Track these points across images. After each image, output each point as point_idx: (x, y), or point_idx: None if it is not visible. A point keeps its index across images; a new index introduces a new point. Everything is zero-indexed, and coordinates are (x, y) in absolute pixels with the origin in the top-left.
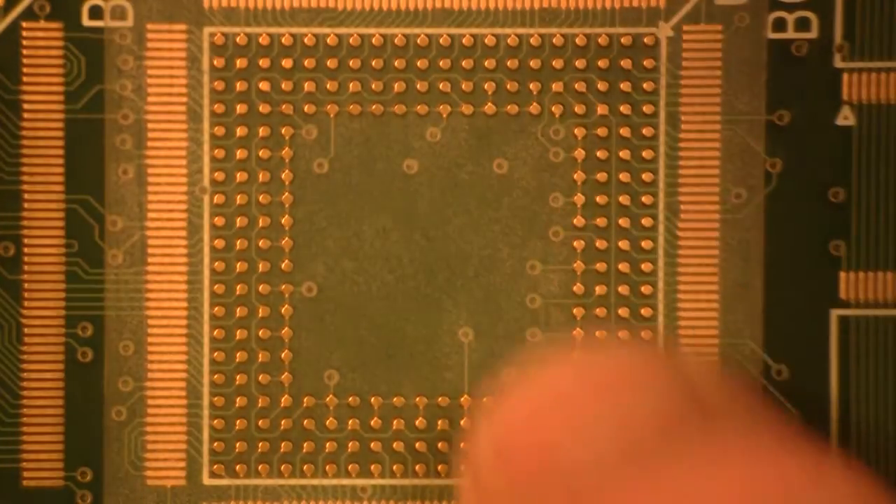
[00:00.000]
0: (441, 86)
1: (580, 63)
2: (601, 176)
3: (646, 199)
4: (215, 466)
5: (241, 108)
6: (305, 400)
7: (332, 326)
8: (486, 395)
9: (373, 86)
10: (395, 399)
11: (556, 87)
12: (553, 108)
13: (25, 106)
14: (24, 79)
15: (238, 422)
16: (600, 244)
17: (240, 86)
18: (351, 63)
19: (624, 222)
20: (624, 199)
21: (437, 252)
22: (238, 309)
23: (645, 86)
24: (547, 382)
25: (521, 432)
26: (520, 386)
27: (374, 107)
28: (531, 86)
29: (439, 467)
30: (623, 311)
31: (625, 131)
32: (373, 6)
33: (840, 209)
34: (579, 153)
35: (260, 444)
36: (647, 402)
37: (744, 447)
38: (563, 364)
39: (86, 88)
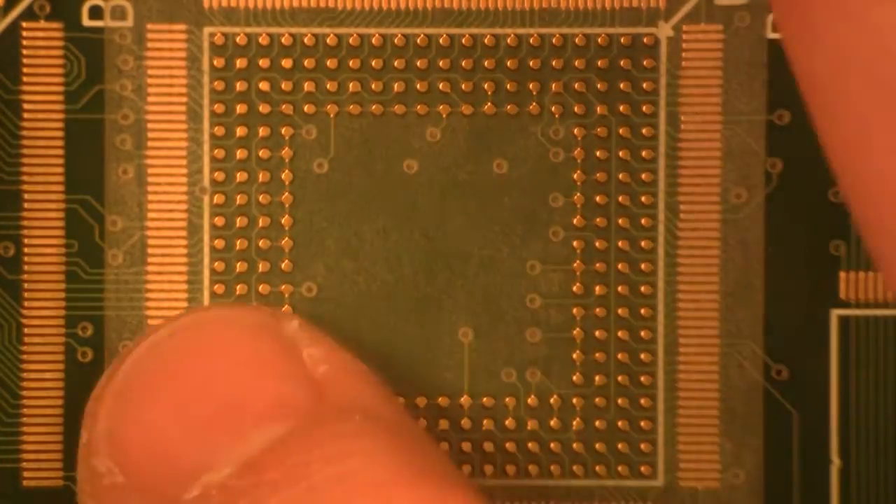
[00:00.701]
0: (441, 86)
1: (579, 63)
2: (601, 176)
3: (645, 199)
4: None
5: (241, 108)
6: None
7: (332, 326)
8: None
9: (372, 86)
10: None
11: (556, 87)
12: (553, 108)
13: (25, 106)
14: (24, 79)
15: None
16: (600, 244)
17: (240, 86)
18: (351, 63)
19: (624, 222)
20: (624, 199)
21: (437, 252)
22: None
23: (645, 86)
24: (155, 356)
25: (131, 422)
26: (127, 362)
27: (373, 107)
28: (531, 86)
29: None
30: (623, 311)
31: (624, 131)
32: (373, 6)
33: (840, 209)
34: (579, 153)
35: None
36: (259, 382)
37: (367, 466)
38: (172, 332)
39: (86, 88)
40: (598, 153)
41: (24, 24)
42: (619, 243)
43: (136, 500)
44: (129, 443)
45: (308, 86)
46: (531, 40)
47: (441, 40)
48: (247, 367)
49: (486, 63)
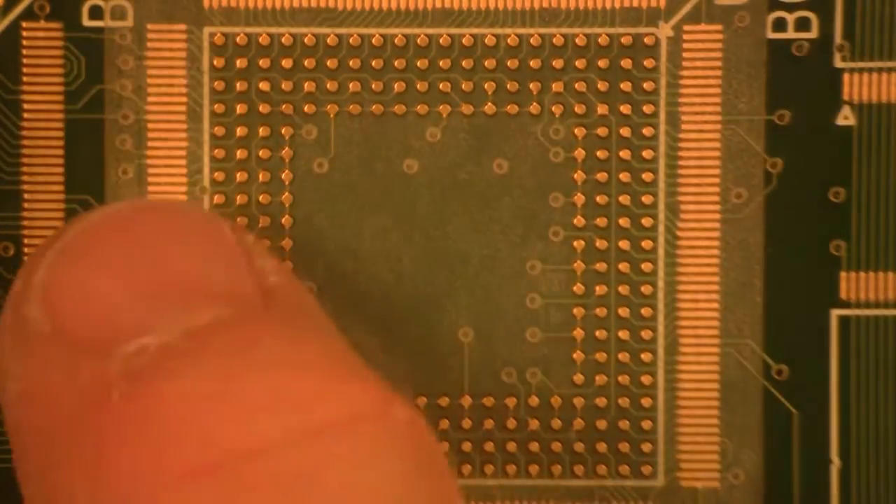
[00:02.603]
0: (441, 86)
1: (580, 63)
2: (601, 176)
3: (646, 199)
4: None
5: (241, 108)
6: None
7: None
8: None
9: (373, 86)
10: None
11: (556, 87)
12: (553, 108)
13: (25, 106)
14: (24, 79)
15: None
16: (600, 244)
17: (240, 86)
18: (351, 63)
19: (624, 222)
20: (624, 199)
21: (437, 252)
22: None
23: (645, 86)
24: (108, 221)
25: (72, 276)
26: (78, 222)
27: (374, 107)
28: (531, 86)
29: None
30: (623, 311)
31: (625, 131)
32: (373, 6)
33: (840, 209)
34: (579, 153)
35: None
36: (212, 270)
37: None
38: (128, 206)
39: (86, 88)
40: (598, 153)
41: (24, 24)
42: (620, 243)
43: (64, 351)
44: (65, 295)
45: (308, 86)
46: (532, 40)
47: (441, 40)
48: (202, 256)
49: (486, 63)
